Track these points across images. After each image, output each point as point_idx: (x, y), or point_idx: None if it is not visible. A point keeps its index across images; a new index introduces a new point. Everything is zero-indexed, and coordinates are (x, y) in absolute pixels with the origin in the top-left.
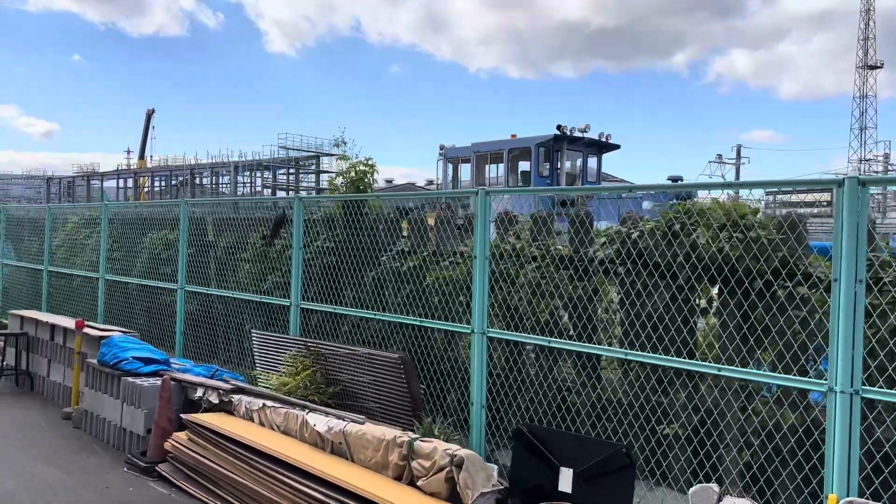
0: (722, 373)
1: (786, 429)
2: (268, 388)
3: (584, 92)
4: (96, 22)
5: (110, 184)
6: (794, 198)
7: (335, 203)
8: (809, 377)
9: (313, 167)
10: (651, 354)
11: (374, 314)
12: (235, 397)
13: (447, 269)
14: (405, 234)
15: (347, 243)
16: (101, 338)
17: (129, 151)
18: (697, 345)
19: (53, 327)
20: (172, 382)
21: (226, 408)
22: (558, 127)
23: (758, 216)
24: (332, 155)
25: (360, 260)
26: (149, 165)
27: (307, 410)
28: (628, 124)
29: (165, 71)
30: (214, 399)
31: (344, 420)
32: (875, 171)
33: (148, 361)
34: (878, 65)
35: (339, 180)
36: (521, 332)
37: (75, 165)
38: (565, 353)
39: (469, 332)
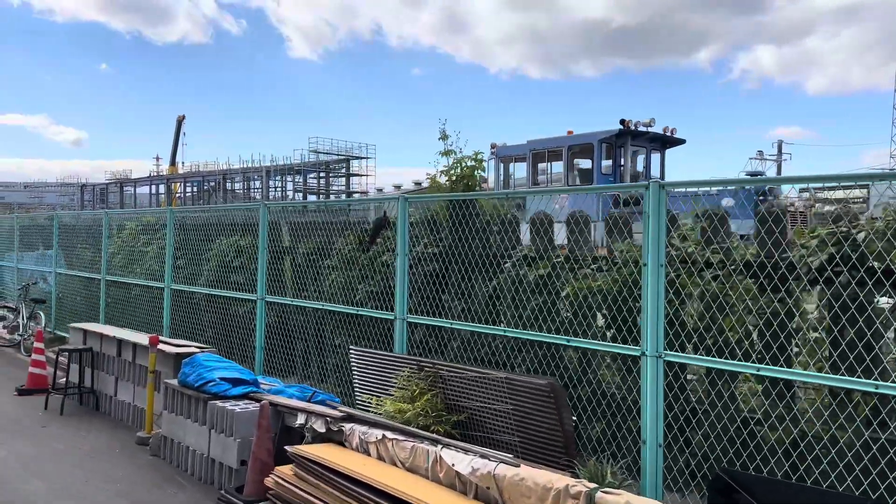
0: None
1: None
2: (379, 414)
3: (607, 91)
4: (122, 31)
5: (143, 190)
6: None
7: (437, 204)
8: None
9: (343, 170)
10: None
11: (508, 331)
12: (346, 426)
13: (588, 277)
14: (526, 237)
15: (455, 248)
16: (178, 355)
17: (157, 158)
18: None
19: (121, 342)
20: (270, 407)
21: (334, 438)
22: (622, 121)
23: None
24: (362, 158)
25: (471, 267)
26: (180, 171)
27: (440, 445)
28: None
29: (191, 78)
30: (320, 427)
31: (490, 459)
32: None
33: (236, 382)
34: None
35: (443, 178)
36: (691, 353)
37: (108, 172)
38: (740, 379)
39: (638, 354)
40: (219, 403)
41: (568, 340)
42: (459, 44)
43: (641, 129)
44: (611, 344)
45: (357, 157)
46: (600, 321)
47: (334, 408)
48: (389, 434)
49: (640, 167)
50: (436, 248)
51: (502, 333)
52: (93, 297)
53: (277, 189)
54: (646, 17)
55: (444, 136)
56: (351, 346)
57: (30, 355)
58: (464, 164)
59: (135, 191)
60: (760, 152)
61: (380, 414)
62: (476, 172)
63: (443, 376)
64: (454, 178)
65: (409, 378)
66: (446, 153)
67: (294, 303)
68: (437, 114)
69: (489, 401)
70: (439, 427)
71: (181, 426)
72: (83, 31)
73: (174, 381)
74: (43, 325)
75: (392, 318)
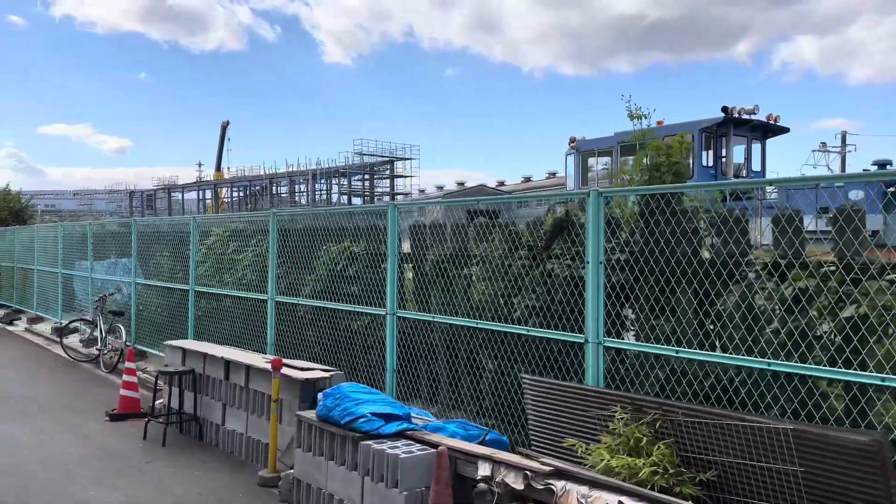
0: None
1: None
2: (591, 467)
3: (644, 87)
4: (160, 41)
5: (190, 195)
6: None
7: (616, 200)
8: None
9: (387, 172)
10: None
11: (775, 363)
12: (557, 484)
13: (881, 292)
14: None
15: (650, 254)
16: (306, 381)
17: (200, 164)
18: None
19: (229, 363)
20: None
21: (534, 497)
22: (724, 109)
23: None
24: (407, 159)
25: (676, 277)
26: (226, 176)
27: None
28: (692, 119)
29: (228, 85)
30: (516, 483)
31: None
32: None
33: (388, 418)
34: None
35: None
36: None
37: (155, 179)
38: None
39: None
40: (374, 445)
41: None
42: (491, 43)
43: (745, 116)
44: None
45: (401, 158)
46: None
47: (527, 456)
48: (629, 501)
49: (737, 158)
50: (622, 255)
51: (762, 366)
52: (176, 309)
53: (323, 192)
54: (681, 10)
55: (636, 116)
56: (524, 375)
57: (110, 371)
58: (662, 148)
59: (182, 196)
60: (823, 144)
61: (592, 467)
62: (683, 157)
63: (674, 421)
64: (649, 166)
65: (628, 423)
66: (638, 137)
67: (437, 319)
68: (471, 114)
69: (756, 457)
70: (683, 488)
71: (321, 469)
72: (122, 42)
73: (309, 414)
74: (123, 339)
75: (581, 341)
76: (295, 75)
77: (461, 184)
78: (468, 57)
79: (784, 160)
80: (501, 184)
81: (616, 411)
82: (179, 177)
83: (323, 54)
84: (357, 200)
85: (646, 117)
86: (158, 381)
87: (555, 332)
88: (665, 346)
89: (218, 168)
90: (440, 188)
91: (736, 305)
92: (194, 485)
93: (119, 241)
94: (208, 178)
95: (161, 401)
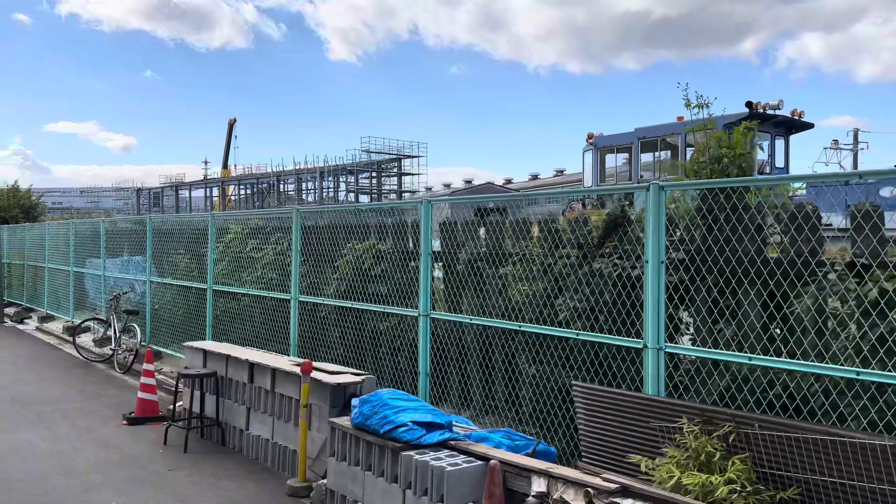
0: None
1: None
2: (658, 484)
3: (649, 84)
4: (166, 39)
5: (198, 193)
6: None
7: (672, 195)
8: None
9: (395, 170)
10: None
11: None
12: (624, 503)
13: None
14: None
15: (722, 253)
16: (338, 385)
17: (206, 161)
18: None
19: (254, 366)
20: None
21: None
22: (748, 104)
23: None
24: (414, 157)
25: (742, 277)
26: (233, 174)
27: None
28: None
29: (233, 83)
30: (576, 501)
31: None
32: None
33: (429, 427)
34: None
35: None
36: None
37: (162, 176)
38: None
39: None
40: (416, 456)
41: None
42: (497, 41)
43: (769, 112)
44: None
45: (409, 156)
46: None
47: (584, 471)
48: None
49: (761, 155)
50: (680, 253)
51: (851, 375)
52: (193, 308)
53: (330, 190)
54: (686, 7)
55: (697, 104)
56: (575, 383)
57: (124, 372)
58: (722, 139)
59: (190, 194)
60: (835, 141)
61: (659, 483)
62: (749, 147)
63: (749, 434)
64: (708, 159)
65: (698, 436)
66: (700, 127)
67: (475, 322)
68: (476, 112)
69: (846, 475)
70: None
71: (357, 480)
72: (128, 40)
73: (344, 421)
74: (138, 339)
75: (639, 346)
76: (300, 73)
77: (468, 181)
78: (473, 54)
79: (804, 158)
80: (509, 181)
81: (683, 423)
82: (186, 174)
83: (328, 52)
84: (364, 198)
85: (708, 106)
86: (179, 384)
87: (609, 336)
88: (736, 353)
89: (225, 165)
90: (447, 185)
91: (819, 308)
92: (219, 494)
93: (132, 239)
94: (215, 176)
95: (181, 404)
